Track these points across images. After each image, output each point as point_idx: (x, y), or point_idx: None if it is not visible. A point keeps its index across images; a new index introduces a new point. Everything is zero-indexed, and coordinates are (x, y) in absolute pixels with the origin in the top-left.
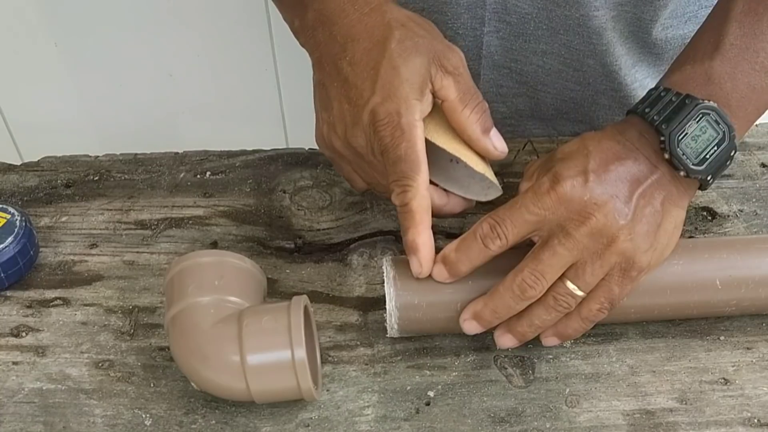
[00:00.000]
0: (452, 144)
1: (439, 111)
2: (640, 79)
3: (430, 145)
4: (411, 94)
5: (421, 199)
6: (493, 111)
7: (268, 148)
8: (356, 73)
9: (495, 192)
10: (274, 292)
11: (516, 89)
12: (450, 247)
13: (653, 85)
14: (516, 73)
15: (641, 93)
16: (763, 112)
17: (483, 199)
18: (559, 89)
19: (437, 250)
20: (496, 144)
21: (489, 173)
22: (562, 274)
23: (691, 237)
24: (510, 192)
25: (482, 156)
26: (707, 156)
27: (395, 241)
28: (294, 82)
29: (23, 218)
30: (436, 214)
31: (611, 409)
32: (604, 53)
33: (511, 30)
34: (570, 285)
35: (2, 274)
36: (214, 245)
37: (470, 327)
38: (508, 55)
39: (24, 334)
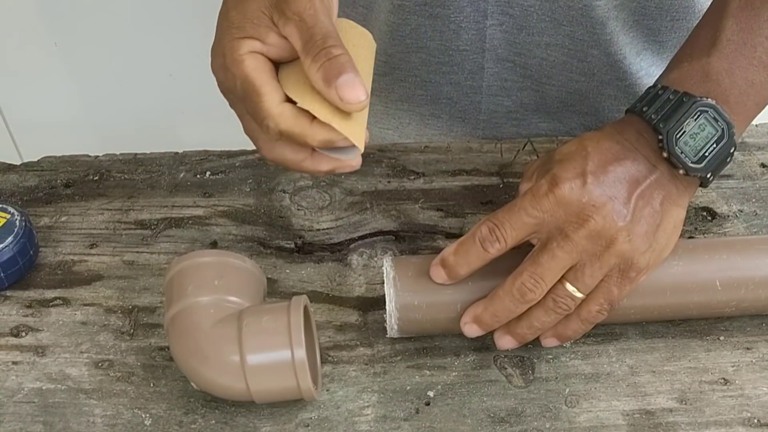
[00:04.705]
0: (304, 96)
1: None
2: (645, 68)
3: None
4: (236, 34)
5: (280, 121)
6: (497, 105)
7: None
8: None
9: (354, 152)
10: (274, 292)
11: (520, 83)
12: (449, 250)
13: (659, 73)
14: (520, 67)
15: (647, 81)
16: (763, 108)
17: (345, 158)
18: (563, 81)
19: (437, 250)
20: (343, 94)
21: (343, 127)
22: (562, 276)
23: (690, 237)
24: (510, 192)
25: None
26: (706, 153)
27: (395, 241)
28: None
29: (23, 218)
30: (300, 168)
31: (611, 409)
32: (608, 43)
33: (514, 23)
34: (569, 287)
35: (2, 274)
36: (214, 245)
37: (471, 330)
38: (511, 48)
39: (24, 333)
